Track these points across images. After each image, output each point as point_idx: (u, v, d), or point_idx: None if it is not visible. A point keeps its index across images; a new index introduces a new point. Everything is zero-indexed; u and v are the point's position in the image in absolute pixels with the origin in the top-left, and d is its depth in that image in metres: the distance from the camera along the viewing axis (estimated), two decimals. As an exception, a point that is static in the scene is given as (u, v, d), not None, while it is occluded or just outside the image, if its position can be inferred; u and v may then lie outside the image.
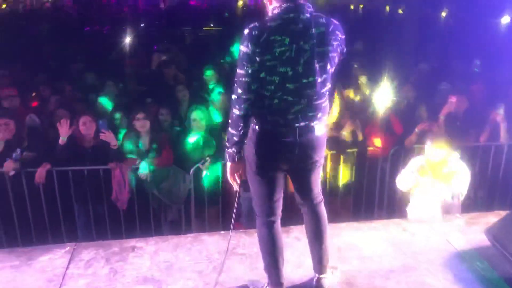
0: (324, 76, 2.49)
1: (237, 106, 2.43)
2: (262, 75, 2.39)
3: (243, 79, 2.40)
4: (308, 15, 2.43)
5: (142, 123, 4.79)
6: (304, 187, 2.74)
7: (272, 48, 2.36)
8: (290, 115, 2.47)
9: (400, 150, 5.08)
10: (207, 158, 4.66)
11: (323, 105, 2.56)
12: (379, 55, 7.76)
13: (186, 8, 18.88)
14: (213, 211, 4.86)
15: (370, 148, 5.25)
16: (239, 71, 2.41)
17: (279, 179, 2.66)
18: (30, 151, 4.61)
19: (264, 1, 2.56)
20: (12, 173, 4.47)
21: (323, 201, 2.79)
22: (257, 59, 2.36)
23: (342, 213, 4.92)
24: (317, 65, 2.44)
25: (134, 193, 4.72)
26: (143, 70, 7.56)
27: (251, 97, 2.41)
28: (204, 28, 14.31)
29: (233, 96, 2.46)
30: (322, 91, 2.52)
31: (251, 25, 2.40)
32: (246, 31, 2.38)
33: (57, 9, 17.90)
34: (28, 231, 4.52)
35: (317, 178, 2.75)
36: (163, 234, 4.44)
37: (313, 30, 2.42)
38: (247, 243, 3.42)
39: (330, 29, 2.47)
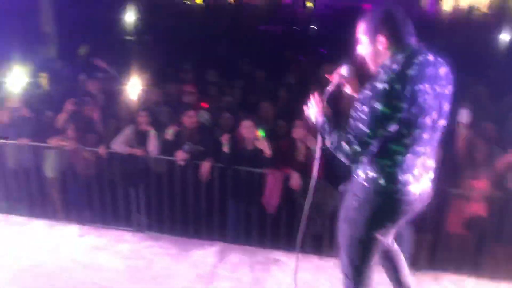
0: (446, 118, 2.26)
1: (358, 147, 2.12)
2: (403, 131, 2.09)
3: (370, 140, 2.09)
4: (430, 54, 2.18)
5: (299, 131, 4.81)
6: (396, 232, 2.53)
7: (416, 99, 2.05)
8: (417, 169, 2.20)
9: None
10: None
11: (435, 151, 2.32)
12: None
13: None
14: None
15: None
16: (368, 131, 2.08)
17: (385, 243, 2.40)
18: (199, 145, 5.05)
19: (377, 42, 2.20)
20: (182, 163, 4.95)
21: None
22: (398, 115, 2.04)
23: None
24: (445, 107, 2.21)
25: (284, 200, 4.83)
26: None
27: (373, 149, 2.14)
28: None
29: (355, 147, 2.12)
30: (440, 135, 2.28)
31: (385, 78, 2.05)
32: (382, 86, 2.02)
33: (239, 6, 19.16)
34: (186, 221, 4.95)
35: None
36: (305, 247, 4.47)
37: (441, 70, 2.18)
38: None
39: (448, 68, 2.23)
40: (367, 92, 2.09)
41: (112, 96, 6.24)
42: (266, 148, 4.83)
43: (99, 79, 6.66)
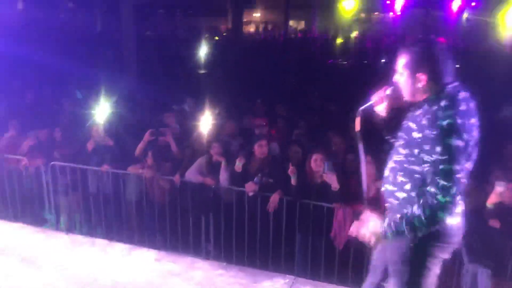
0: None
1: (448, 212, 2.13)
2: (463, 162, 2.15)
3: (459, 175, 2.11)
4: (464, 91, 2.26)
5: (370, 167, 4.79)
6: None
7: (471, 132, 2.16)
8: (459, 207, 2.32)
9: None
10: None
11: None
12: None
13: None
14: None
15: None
16: (454, 167, 2.09)
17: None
18: (269, 177, 5.15)
19: (416, 79, 2.25)
20: (251, 193, 5.06)
21: None
22: (468, 149, 2.14)
23: None
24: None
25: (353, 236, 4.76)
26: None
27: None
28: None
29: (442, 199, 2.10)
30: None
31: (449, 112, 2.11)
32: (450, 121, 2.08)
33: (306, 40, 19.48)
34: (253, 252, 5.01)
35: None
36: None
37: (471, 105, 2.24)
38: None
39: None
40: (429, 132, 2.13)
41: (187, 127, 6.54)
42: (334, 182, 4.83)
43: (176, 111, 7.02)
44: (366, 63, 13.49)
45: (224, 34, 21.26)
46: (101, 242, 4.44)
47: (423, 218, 2.14)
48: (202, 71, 12.09)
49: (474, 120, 2.19)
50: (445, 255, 2.38)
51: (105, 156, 5.81)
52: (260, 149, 5.32)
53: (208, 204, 5.46)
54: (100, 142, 5.92)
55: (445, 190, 2.11)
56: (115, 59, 10.33)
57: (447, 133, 2.09)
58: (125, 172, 5.59)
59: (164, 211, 5.52)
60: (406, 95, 2.35)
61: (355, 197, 4.78)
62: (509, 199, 4.25)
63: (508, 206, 4.27)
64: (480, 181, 4.68)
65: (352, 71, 11.80)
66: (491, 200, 4.34)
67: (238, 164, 5.25)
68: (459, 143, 2.09)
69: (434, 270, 2.38)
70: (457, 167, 2.10)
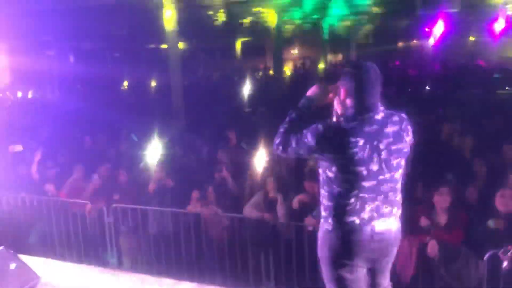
0: (400, 171, 2.56)
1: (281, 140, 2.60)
2: (334, 170, 2.46)
3: (300, 149, 2.53)
4: (382, 113, 2.48)
5: (443, 198, 4.68)
6: (379, 283, 2.71)
7: (344, 149, 2.40)
8: (366, 214, 2.48)
9: None
10: (509, 247, 4.20)
11: (398, 199, 2.60)
12: None
13: (475, 68, 17.89)
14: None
15: None
16: (299, 146, 2.53)
17: (359, 281, 2.59)
18: None
19: (337, 95, 2.58)
20: (311, 228, 5.02)
21: None
22: (324, 155, 2.48)
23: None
24: (394, 162, 2.50)
25: (420, 269, 4.63)
26: (431, 139, 7.32)
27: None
28: (498, 92, 13.23)
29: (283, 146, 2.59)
30: (397, 186, 2.57)
31: (324, 124, 2.46)
32: (320, 127, 2.45)
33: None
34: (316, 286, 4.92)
35: (389, 270, 2.76)
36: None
37: (388, 129, 2.48)
38: None
39: (403, 126, 2.55)
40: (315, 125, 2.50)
41: (242, 164, 6.63)
42: None
43: (228, 149, 7.15)
44: (410, 91, 13.33)
45: (265, 72, 21.68)
46: (170, 282, 4.53)
47: None
48: (248, 109, 12.30)
49: (364, 141, 2.41)
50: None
51: (166, 196, 5.95)
52: (309, 184, 5.26)
53: (267, 240, 5.45)
54: (160, 183, 6.08)
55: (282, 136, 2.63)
56: (165, 104, 10.73)
57: (314, 130, 2.51)
58: (185, 211, 5.69)
59: (223, 248, 5.55)
60: (336, 106, 2.68)
61: (422, 227, 4.69)
62: None
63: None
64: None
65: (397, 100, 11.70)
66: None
67: (296, 201, 5.24)
68: (311, 143, 2.47)
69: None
70: (293, 145, 2.57)
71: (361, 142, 2.42)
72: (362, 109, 2.48)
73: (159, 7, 10.53)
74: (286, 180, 5.76)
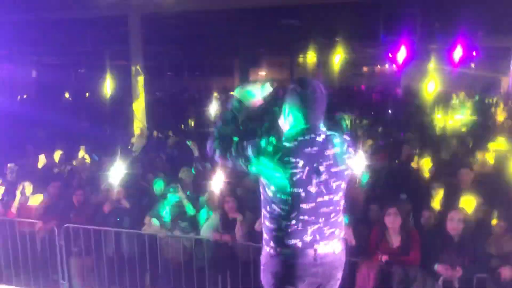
0: (340, 193, 2.50)
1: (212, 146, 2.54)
2: (273, 190, 2.39)
3: (239, 160, 2.43)
4: (323, 135, 2.43)
5: (393, 219, 4.69)
6: None
7: (284, 168, 2.34)
8: (308, 236, 2.41)
9: None
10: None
11: (339, 220, 2.53)
12: None
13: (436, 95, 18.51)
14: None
15: None
16: (238, 157, 2.44)
17: None
18: None
19: (284, 113, 2.52)
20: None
21: None
22: (262, 173, 2.40)
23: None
24: (333, 184, 2.44)
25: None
26: (392, 163, 7.43)
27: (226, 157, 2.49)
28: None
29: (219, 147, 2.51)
30: (338, 208, 2.50)
31: (266, 140, 2.38)
32: (261, 143, 2.37)
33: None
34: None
35: None
36: None
37: (328, 151, 2.42)
38: None
39: (345, 148, 2.48)
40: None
41: (200, 184, 6.51)
42: (350, 237, 4.64)
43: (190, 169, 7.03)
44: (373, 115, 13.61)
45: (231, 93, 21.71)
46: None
47: None
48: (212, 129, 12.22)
49: (303, 163, 2.35)
50: None
51: (122, 217, 5.75)
52: None
53: (225, 262, 5.32)
54: (117, 204, 5.88)
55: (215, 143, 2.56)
56: (126, 122, 10.52)
57: (252, 143, 2.44)
58: (140, 232, 5.51)
59: (180, 271, 5.39)
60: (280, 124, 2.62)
61: (377, 248, 4.68)
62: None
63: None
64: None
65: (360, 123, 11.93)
66: None
67: (258, 225, 5.13)
68: (251, 154, 2.40)
69: None
70: (228, 154, 2.48)
71: (300, 163, 2.35)
72: (304, 129, 2.43)
73: (124, 23, 10.42)
74: (245, 200, 5.66)
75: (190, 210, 5.80)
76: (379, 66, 24.89)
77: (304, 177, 2.36)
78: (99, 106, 14.56)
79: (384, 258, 4.49)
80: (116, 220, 5.73)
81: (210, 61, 23.28)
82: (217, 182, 5.86)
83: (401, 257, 4.54)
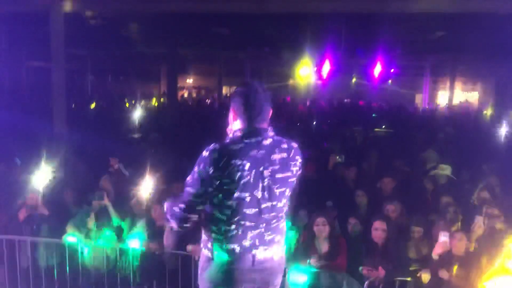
0: (284, 200, 2.45)
1: (176, 221, 2.41)
2: (219, 197, 2.31)
3: (191, 198, 2.34)
4: (270, 139, 2.39)
5: (321, 229, 4.78)
6: None
7: (231, 172, 2.28)
8: (247, 241, 2.36)
9: None
10: None
11: (281, 227, 2.49)
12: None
13: (357, 108, 19.42)
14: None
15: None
16: (189, 189, 2.35)
17: None
18: None
19: (229, 118, 2.50)
20: (197, 257, 4.81)
21: None
22: (215, 182, 2.29)
23: None
24: (276, 190, 2.39)
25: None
26: (320, 171, 7.59)
27: (193, 218, 2.37)
28: (376, 129, 14.38)
29: (175, 209, 2.39)
30: (281, 214, 2.46)
31: (211, 147, 2.34)
32: (205, 153, 2.32)
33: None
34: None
35: None
36: None
37: (275, 156, 2.38)
38: None
39: (291, 155, 2.45)
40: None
41: (124, 191, 6.26)
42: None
43: (111, 176, 6.75)
44: (299, 126, 13.96)
45: (158, 98, 21.30)
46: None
47: None
48: (137, 135, 11.85)
49: (250, 166, 2.29)
50: None
51: (39, 225, 5.36)
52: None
53: (152, 271, 5.15)
54: (35, 211, 5.46)
55: (178, 205, 2.40)
56: (47, 125, 9.87)
57: (199, 160, 2.35)
58: (60, 241, 5.18)
59: (102, 281, 5.13)
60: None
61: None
62: (455, 247, 4.39)
63: (455, 254, 4.40)
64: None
65: (287, 133, 12.14)
66: (437, 251, 4.45)
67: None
68: (201, 171, 2.31)
69: None
70: (190, 189, 2.35)
71: (247, 165, 2.30)
72: (251, 131, 2.37)
73: (45, 21, 9.78)
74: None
75: (115, 218, 5.55)
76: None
77: (251, 181, 2.31)
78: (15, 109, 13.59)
79: (312, 261, 4.58)
80: (33, 228, 5.34)
81: (136, 65, 22.63)
82: (144, 189, 5.68)
83: (328, 262, 4.65)
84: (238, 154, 2.30)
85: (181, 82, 24.09)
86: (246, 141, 2.35)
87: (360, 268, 4.50)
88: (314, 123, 15.10)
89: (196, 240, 4.74)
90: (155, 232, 5.22)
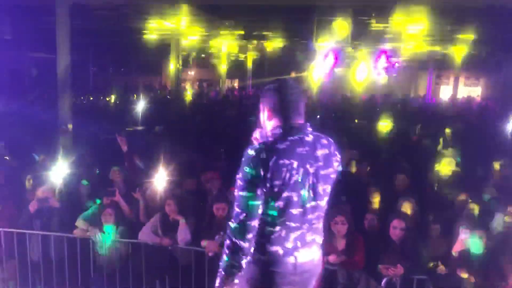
0: (326, 198, 2.38)
1: (240, 236, 2.20)
2: (266, 198, 2.22)
3: (250, 202, 2.19)
4: (311, 135, 2.33)
5: (340, 228, 4.69)
6: None
7: (281, 172, 2.19)
8: (290, 243, 2.29)
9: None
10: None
11: (320, 227, 2.43)
12: None
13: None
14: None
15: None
16: (243, 193, 2.21)
17: None
18: None
19: (261, 115, 2.42)
20: (211, 253, 4.77)
21: None
22: (267, 182, 2.19)
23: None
24: (320, 188, 2.32)
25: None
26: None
27: (256, 224, 2.21)
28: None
29: (234, 225, 2.22)
30: (322, 214, 2.40)
31: (257, 147, 2.26)
32: (251, 152, 2.22)
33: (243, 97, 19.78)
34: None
35: None
36: None
37: (318, 152, 2.31)
38: None
39: (333, 150, 2.38)
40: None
41: (134, 185, 6.16)
42: None
43: (122, 168, 6.66)
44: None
45: (160, 91, 21.21)
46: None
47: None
48: (140, 127, 11.75)
49: (298, 164, 2.22)
50: None
51: (50, 219, 5.29)
52: (218, 212, 5.01)
53: (164, 267, 5.09)
54: (45, 204, 5.37)
55: (235, 216, 2.22)
56: (53, 119, 9.78)
57: (245, 161, 2.21)
58: (71, 236, 5.12)
59: (115, 275, 5.07)
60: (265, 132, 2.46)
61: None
62: (474, 244, 4.33)
63: (473, 252, 4.34)
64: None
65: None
66: (457, 248, 4.40)
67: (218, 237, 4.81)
68: (251, 172, 2.17)
69: None
70: (245, 193, 2.19)
71: (295, 164, 2.23)
72: (293, 128, 2.31)
73: (50, 12, 9.66)
74: (188, 202, 5.45)
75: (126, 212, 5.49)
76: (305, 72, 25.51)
77: (299, 180, 2.24)
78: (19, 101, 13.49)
79: (330, 258, 4.52)
80: (44, 221, 5.27)
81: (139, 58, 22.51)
82: (157, 182, 5.60)
83: (346, 259, 4.59)
84: (285, 152, 2.23)
85: (184, 75, 23.94)
86: (290, 138, 2.28)
87: (378, 266, 4.44)
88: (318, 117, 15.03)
89: (211, 236, 4.78)
90: (168, 226, 5.15)
